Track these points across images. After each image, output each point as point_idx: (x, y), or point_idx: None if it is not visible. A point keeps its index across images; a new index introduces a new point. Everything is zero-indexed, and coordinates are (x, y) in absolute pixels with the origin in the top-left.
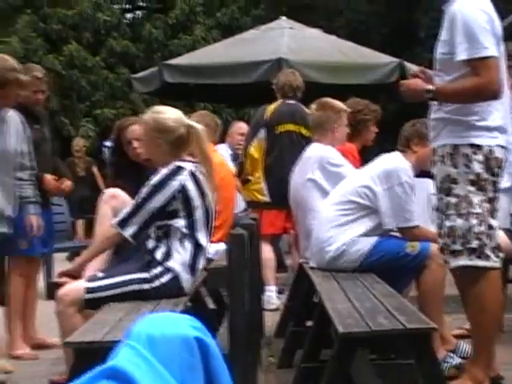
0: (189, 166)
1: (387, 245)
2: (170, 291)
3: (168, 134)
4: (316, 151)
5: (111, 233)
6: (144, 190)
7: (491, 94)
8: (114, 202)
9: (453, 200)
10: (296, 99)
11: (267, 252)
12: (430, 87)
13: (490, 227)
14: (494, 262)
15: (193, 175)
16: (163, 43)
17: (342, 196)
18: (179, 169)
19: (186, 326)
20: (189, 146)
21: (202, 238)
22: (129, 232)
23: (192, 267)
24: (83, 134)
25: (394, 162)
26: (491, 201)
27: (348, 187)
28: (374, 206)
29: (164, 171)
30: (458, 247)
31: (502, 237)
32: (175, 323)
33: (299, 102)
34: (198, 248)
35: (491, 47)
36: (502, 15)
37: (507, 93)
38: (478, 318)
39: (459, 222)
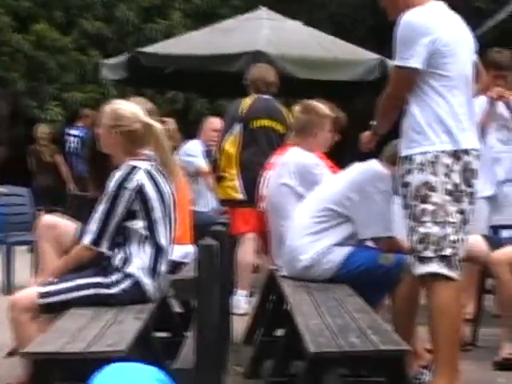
0: (144, 165)
1: (361, 255)
2: (133, 297)
3: (122, 125)
4: (295, 157)
5: (87, 253)
6: (104, 200)
7: (393, 102)
8: (52, 232)
9: (430, 207)
10: (270, 94)
11: (246, 254)
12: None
13: (461, 239)
14: (459, 274)
15: (149, 174)
16: (138, 26)
17: (318, 203)
18: (134, 168)
19: (151, 379)
20: (145, 144)
21: (163, 239)
22: (105, 246)
23: (153, 270)
24: (51, 117)
25: (372, 169)
26: (464, 212)
27: (324, 194)
28: (350, 215)
29: (118, 174)
30: (429, 254)
31: (479, 242)
32: (139, 376)
33: (273, 97)
34: (158, 250)
35: (411, 58)
36: (474, 26)
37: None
38: (441, 329)
39: (435, 229)
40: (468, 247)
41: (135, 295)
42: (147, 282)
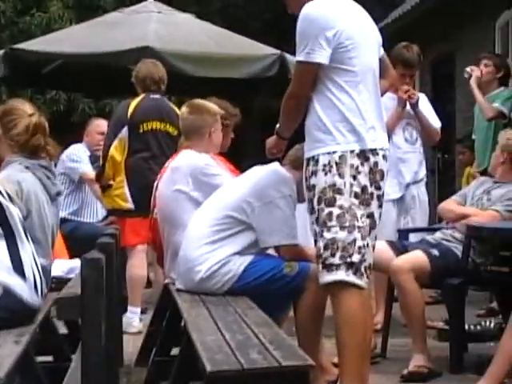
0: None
1: (264, 265)
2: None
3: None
4: (187, 159)
5: None
6: None
7: (296, 101)
8: None
9: (336, 211)
10: (160, 93)
11: (137, 268)
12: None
13: (368, 245)
14: (366, 282)
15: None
16: (12, 20)
17: (216, 209)
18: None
19: None
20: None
21: (26, 249)
22: None
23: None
24: None
25: (274, 173)
26: (372, 216)
27: (222, 200)
28: (251, 222)
29: None
30: (336, 261)
31: (384, 248)
32: None
33: (163, 95)
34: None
35: (313, 53)
36: (378, 17)
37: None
38: (347, 340)
39: (342, 234)
40: (374, 253)
41: (9, 305)
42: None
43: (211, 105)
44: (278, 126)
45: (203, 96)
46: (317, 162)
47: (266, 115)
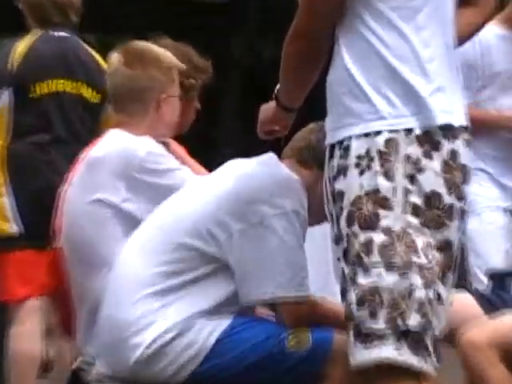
0: None
1: (249, 335)
2: None
3: None
4: (118, 147)
5: None
6: None
7: (306, 46)
8: None
9: (380, 238)
10: (68, 28)
11: (25, 339)
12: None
13: (439, 296)
14: (434, 364)
15: None
16: None
17: (165, 233)
18: None
19: None
20: None
21: None
22: None
23: None
24: None
25: (267, 173)
26: (447, 247)
27: (177, 216)
28: (226, 257)
29: None
30: (379, 326)
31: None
32: None
33: (74, 33)
34: None
35: None
36: None
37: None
38: None
39: (391, 278)
40: (454, 311)
41: None
42: None
43: (163, 53)
44: (278, 86)
45: (137, 35)
46: (346, 150)
47: (252, 70)
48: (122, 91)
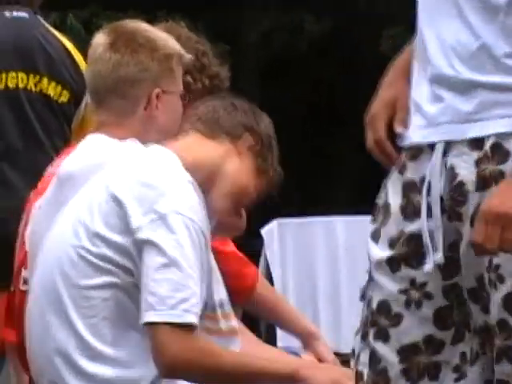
0: None
1: None
2: None
3: None
4: (96, 158)
5: None
6: None
7: None
8: None
9: None
10: (28, 7)
11: None
12: None
13: None
14: None
15: None
16: None
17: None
18: None
19: None
20: None
21: None
22: None
23: None
24: None
25: (164, 160)
26: None
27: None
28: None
29: None
30: None
31: None
32: None
33: (35, 11)
34: None
35: None
36: None
37: None
38: None
39: None
40: None
41: None
42: None
43: (162, 36)
44: None
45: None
46: (501, 150)
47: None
48: (104, 82)
